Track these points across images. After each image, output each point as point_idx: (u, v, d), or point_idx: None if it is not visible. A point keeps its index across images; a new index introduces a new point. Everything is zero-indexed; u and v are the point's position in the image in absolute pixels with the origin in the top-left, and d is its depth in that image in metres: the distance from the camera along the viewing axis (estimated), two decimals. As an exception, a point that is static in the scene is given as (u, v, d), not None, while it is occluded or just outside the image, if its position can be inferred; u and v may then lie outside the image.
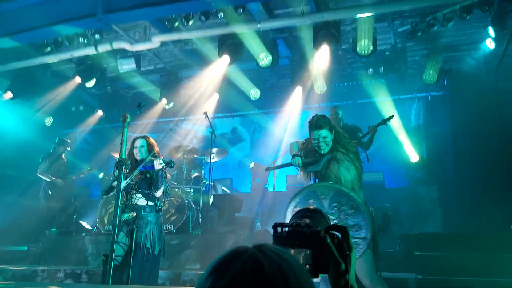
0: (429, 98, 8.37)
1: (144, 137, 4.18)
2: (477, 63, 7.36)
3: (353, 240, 2.68)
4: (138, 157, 4.06)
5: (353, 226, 2.74)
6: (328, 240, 0.96)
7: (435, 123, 8.17)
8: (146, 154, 4.05)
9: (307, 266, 0.96)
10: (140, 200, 3.95)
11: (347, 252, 0.98)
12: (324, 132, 3.10)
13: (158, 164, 3.90)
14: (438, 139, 7.98)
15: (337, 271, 0.95)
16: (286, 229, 1.01)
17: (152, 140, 4.19)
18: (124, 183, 3.58)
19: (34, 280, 5.49)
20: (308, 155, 3.36)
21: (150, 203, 3.98)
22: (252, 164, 8.25)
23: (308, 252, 0.97)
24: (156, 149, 4.14)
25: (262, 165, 8.07)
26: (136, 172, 3.86)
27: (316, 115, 3.24)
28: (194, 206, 6.54)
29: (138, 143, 4.10)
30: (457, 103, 7.87)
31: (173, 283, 4.90)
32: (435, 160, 7.82)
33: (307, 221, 1.07)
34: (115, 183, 3.81)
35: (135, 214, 3.90)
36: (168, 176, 4.31)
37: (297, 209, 2.86)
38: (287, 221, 2.93)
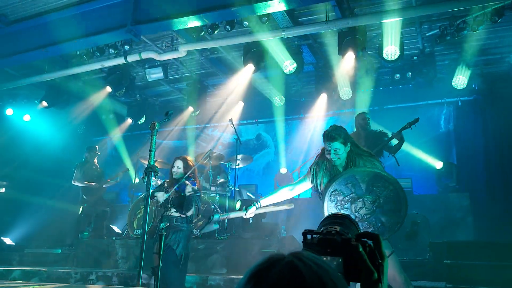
0: (459, 103, 8.15)
1: (183, 159, 4.49)
2: (510, 66, 7.13)
3: (389, 224, 2.76)
4: (174, 176, 4.42)
5: (389, 210, 2.78)
6: (360, 249, 0.94)
7: (465, 128, 7.96)
8: (182, 175, 4.39)
9: (339, 274, 0.94)
10: (174, 212, 4.33)
11: (380, 261, 0.96)
12: (336, 145, 3.00)
13: (188, 190, 4.31)
14: (469, 145, 7.76)
15: (369, 280, 0.94)
16: (316, 236, 1.00)
17: (190, 163, 4.51)
18: (163, 197, 4.24)
19: (67, 282, 5.69)
20: (320, 171, 3.18)
21: (183, 215, 4.33)
22: (284, 170, 8.27)
23: (339, 260, 0.95)
24: (193, 172, 4.48)
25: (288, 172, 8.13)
26: (173, 190, 4.29)
27: (331, 126, 3.15)
28: (220, 211, 6.62)
29: (176, 163, 4.44)
30: (489, 108, 7.64)
31: (200, 287, 4.97)
32: (466, 166, 7.60)
33: (337, 228, 1.05)
34: (158, 194, 4.31)
35: (168, 224, 4.29)
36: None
37: (336, 193, 2.89)
38: (325, 207, 2.93)
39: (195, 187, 4.37)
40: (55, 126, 9.38)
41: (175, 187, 4.31)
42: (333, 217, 1.16)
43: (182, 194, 4.34)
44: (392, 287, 3.00)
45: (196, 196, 4.40)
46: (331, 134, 3.03)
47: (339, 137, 3.02)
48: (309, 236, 1.00)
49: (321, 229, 1.04)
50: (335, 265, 0.96)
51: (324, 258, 0.96)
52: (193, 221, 4.56)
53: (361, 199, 2.84)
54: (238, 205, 6.52)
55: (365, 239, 0.98)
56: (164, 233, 4.01)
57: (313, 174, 3.19)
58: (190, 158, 4.64)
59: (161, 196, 4.36)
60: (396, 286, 2.96)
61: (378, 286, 0.94)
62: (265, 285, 0.70)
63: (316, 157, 3.29)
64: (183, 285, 4.29)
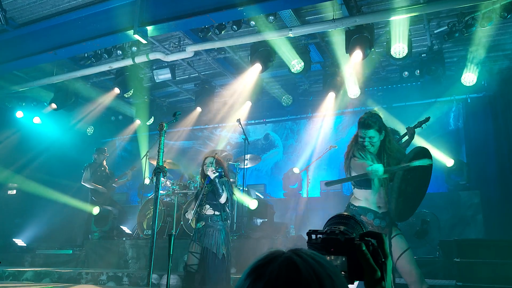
0: (469, 100, 8.06)
1: (213, 156, 4.59)
2: (520, 62, 7.05)
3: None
4: (206, 173, 4.45)
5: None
6: (363, 247, 0.96)
7: (475, 125, 7.87)
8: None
9: (343, 273, 0.97)
10: (208, 210, 4.37)
11: (383, 260, 0.98)
12: (371, 132, 3.02)
13: (211, 173, 4.31)
14: (479, 143, 7.68)
15: (372, 278, 0.95)
16: (321, 236, 1.02)
17: (220, 158, 4.63)
18: (191, 215, 4.39)
19: (79, 282, 5.75)
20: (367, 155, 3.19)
21: (217, 213, 4.38)
22: (297, 170, 8.25)
23: (343, 259, 0.97)
24: (223, 165, 4.57)
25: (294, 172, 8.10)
26: (205, 185, 4.36)
27: (366, 113, 3.16)
28: (229, 211, 6.62)
29: (208, 160, 4.53)
30: (499, 105, 7.55)
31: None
32: (476, 164, 7.52)
33: (341, 228, 1.07)
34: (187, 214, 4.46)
35: (204, 223, 4.32)
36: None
37: None
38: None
39: (220, 171, 4.39)
40: (64, 128, 9.47)
41: (206, 180, 4.37)
42: (338, 218, 1.17)
43: (212, 187, 4.38)
44: (408, 282, 3.04)
45: (224, 181, 4.40)
46: (367, 121, 3.02)
47: (375, 125, 3.02)
48: (313, 236, 1.02)
49: (326, 229, 1.06)
50: (339, 264, 0.97)
51: (328, 258, 0.98)
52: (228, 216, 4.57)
53: None
54: (253, 204, 6.53)
55: (369, 238, 0.99)
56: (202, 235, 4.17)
57: (360, 156, 3.14)
58: (219, 157, 4.70)
59: (189, 215, 4.47)
60: (411, 281, 3.01)
61: (382, 284, 0.95)
62: (263, 280, 0.72)
63: (352, 142, 3.27)
64: (229, 284, 4.34)
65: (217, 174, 4.32)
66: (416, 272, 3.01)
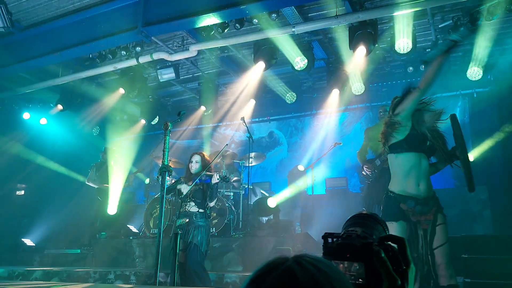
0: (475, 95, 8.00)
1: (200, 154, 4.65)
2: (526, 55, 6.97)
3: None
4: (193, 171, 4.54)
5: None
6: (382, 254, 0.88)
7: (482, 120, 7.80)
8: (200, 169, 4.52)
9: (360, 280, 0.90)
10: (192, 207, 4.40)
11: (404, 267, 0.91)
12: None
13: (215, 179, 4.37)
14: (486, 137, 7.60)
15: (391, 287, 0.88)
16: (336, 240, 0.95)
17: (207, 157, 4.67)
18: (187, 188, 4.39)
19: (87, 281, 5.80)
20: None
21: (201, 210, 4.42)
22: (302, 167, 8.25)
23: (360, 265, 0.91)
24: (211, 165, 4.61)
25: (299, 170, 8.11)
26: (193, 184, 4.39)
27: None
28: (235, 209, 6.65)
29: (194, 158, 4.58)
30: (505, 99, 7.47)
31: (216, 284, 5.00)
32: (483, 159, 7.45)
33: (358, 231, 1.00)
34: (181, 186, 4.50)
35: (187, 220, 4.34)
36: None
37: None
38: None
39: (223, 175, 4.44)
40: (70, 129, 9.54)
41: (196, 180, 4.40)
42: (357, 218, 1.09)
43: (202, 187, 4.43)
44: (437, 274, 3.00)
45: (217, 187, 4.52)
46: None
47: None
48: (329, 240, 0.95)
49: (342, 232, 1.00)
50: (357, 270, 0.91)
51: (343, 264, 0.92)
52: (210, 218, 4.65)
53: None
54: (272, 202, 6.55)
55: (389, 243, 0.93)
56: (180, 231, 4.08)
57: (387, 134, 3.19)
58: (206, 154, 4.75)
59: (184, 188, 4.48)
60: (440, 274, 2.97)
61: None
62: None
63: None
64: (210, 281, 4.40)
65: (220, 179, 4.38)
66: (447, 268, 2.97)
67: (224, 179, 4.37)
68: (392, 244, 0.93)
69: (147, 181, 8.48)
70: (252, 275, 0.74)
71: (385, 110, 5.62)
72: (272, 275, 0.71)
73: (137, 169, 8.48)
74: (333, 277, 0.71)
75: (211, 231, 6.24)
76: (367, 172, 5.73)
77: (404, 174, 3.13)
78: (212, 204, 4.50)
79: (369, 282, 0.90)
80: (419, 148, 3.13)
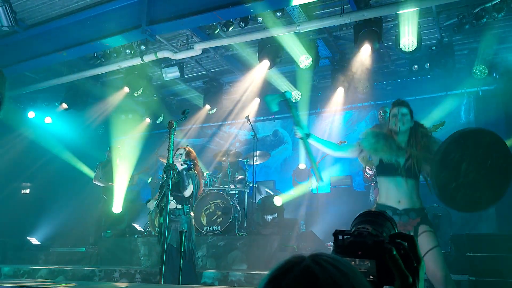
0: (480, 93, 7.95)
1: (184, 148, 4.51)
2: (532, 53, 6.92)
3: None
4: (178, 165, 4.34)
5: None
6: (394, 252, 0.89)
7: (487, 119, 7.74)
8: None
9: (371, 277, 0.91)
10: (171, 203, 4.18)
11: (415, 265, 0.91)
12: (404, 110, 3.13)
13: (179, 165, 4.18)
14: (491, 136, 7.56)
15: (404, 285, 0.89)
16: (347, 237, 0.95)
17: (190, 150, 4.51)
18: (153, 205, 4.26)
19: (92, 279, 5.83)
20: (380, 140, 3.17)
21: (179, 206, 4.28)
22: (303, 166, 8.25)
23: (372, 262, 0.91)
24: (194, 158, 4.45)
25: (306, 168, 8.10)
26: (170, 176, 4.04)
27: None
28: (239, 208, 6.66)
29: (179, 151, 4.45)
30: (511, 97, 7.43)
31: (221, 283, 5.01)
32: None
33: (369, 228, 1.01)
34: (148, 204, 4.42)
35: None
36: (202, 179, 4.59)
37: None
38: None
39: (189, 164, 4.21)
40: (75, 128, 9.58)
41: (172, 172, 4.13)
42: (366, 215, 1.10)
43: (178, 179, 4.19)
44: (432, 283, 2.86)
45: (192, 174, 4.26)
46: (402, 99, 3.20)
47: (409, 106, 3.19)
48: (340, 237, 0.95)
49: (353, 229, 1.00)
50: (368, 267, 0.91)
51: (355, 262, 0.92)
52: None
53: None
54: (278, 201, 6.55)
55: (399, 240, 0.93)
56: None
57: (367, 138, 3.20)
58: (191, 149, 4.56)
59: (150, 205, 4.40)
60: (435, 282, 2.81)
61: None
62: None
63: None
64: (195, 278, 4.28)
65: (185, 166, 4.19)
66: (442, 274, 2.78)
67: (187, 165, 4.20)
68: (403, 242, 0.93)
69: (150, 180, 8.49)
70: (269, 273, 0.73)
71: (384, 111, 5.56)
72: (290, 274, 0.70)
73: (141, 169, 8.50)
74: (353, 277, 0.71)
75: (216, 229, 6.27)
76: (369, 172, 5.71)
77: (384, 191, 3.17)
78: (187, 193, 4.23)
79: (380, 279, 0.90)
80: (395, 173, 3.10)
